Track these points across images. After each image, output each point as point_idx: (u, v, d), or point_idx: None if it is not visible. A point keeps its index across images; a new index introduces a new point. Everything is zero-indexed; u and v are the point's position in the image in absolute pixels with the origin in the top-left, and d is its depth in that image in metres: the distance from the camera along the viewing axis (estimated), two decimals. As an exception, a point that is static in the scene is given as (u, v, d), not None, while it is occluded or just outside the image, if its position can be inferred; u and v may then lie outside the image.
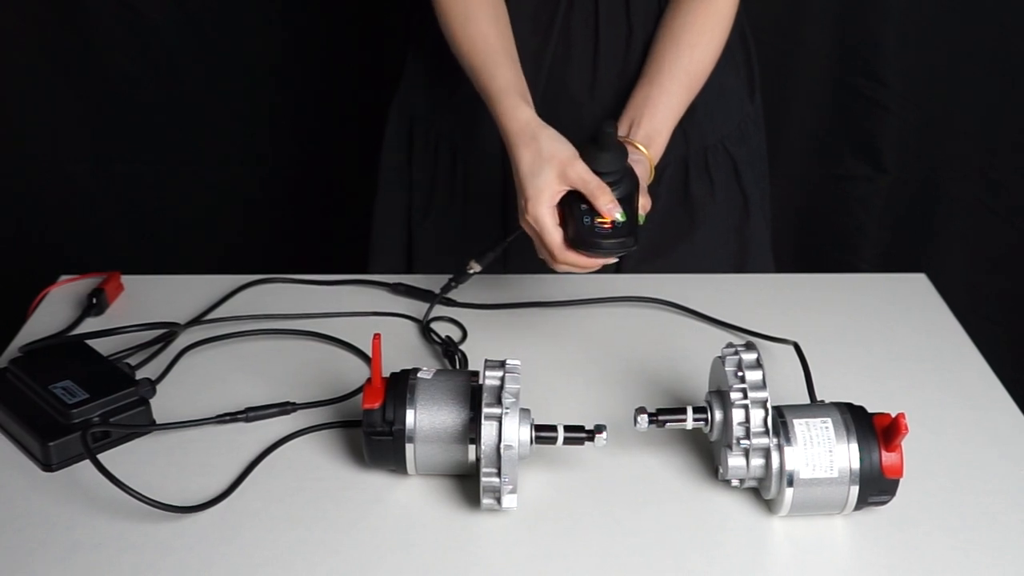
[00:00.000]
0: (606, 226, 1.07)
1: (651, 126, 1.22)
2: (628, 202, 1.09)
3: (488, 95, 1.19)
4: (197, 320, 1.25)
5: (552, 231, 1.09)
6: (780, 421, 0.95)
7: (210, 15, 1.93)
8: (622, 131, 1.23)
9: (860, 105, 1.97)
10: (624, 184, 1.10)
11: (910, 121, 1.97)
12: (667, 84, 1.25)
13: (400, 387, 0.98)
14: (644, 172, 1.16)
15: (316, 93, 2.03)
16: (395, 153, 1.50)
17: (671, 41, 1.27)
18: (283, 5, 1.94)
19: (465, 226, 1.46)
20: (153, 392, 1.09)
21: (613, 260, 1.11)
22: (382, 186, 1.54)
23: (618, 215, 1.07)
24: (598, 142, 1.09)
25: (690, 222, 1.42)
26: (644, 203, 1.12)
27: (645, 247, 1.38)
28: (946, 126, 1.98)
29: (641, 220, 1.10)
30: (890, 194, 2.03)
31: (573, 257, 1.09)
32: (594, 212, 1.07)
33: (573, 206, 1.08)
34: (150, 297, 1.30)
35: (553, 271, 1.13)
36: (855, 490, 0.93)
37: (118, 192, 2.08)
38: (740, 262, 1.46)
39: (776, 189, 1.60)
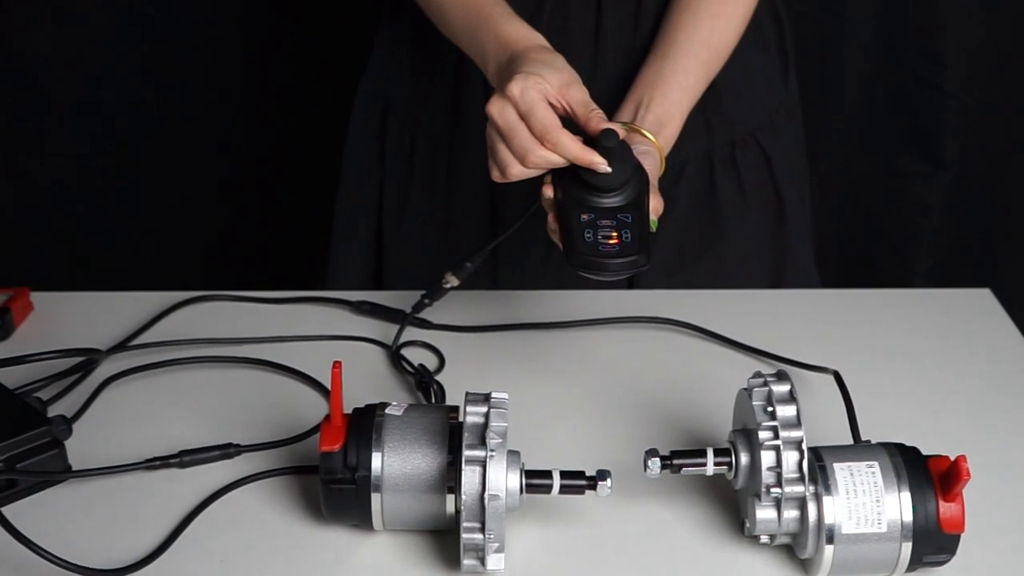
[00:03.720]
0: (612, 242, 1.06)
1: (663, 109, 1.23)
2: (637, 207, 1.08)
3: (485, 22, 1.19)
4: (122, 346, 1.25)
5: (545, 107, 1.08)
6: (818, 465, 0.95)
7: (146, 4, 1.95)
8: (627, 115, 1.23)
9: (915, 89, 1.98)
10: (631, 185, 1.09)
11: (974, 107, 1.98)
12: (683, 60, 1.26)
13: (365, 426, 0.98)
14: (654, 166, 1.16)
15: (266, 78, 2.04)
16: (363, 146, 1.51)
17: (688, 9, 1.28)
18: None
19: (446, 233, 1.46)
20: (69, 432, 1.09)
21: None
22: (346, 185, 1.54)
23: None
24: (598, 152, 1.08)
25: (716, 229, 1.43)
26: (655, 205, 1.12)
27: (663, 258, 1.39)
28: (1016, 113, 1.99)
29: (654, 227, 1.10)
30: (951, 194, 2.04)
31: (567, 139, 1.07)
32: (597, 226, 1.07)
33: (571, 217, 1.08)
34: (65, 318, 1.30)
35: (503, 180, 1.11)
36: (908, 547, 0.94)
37: (28, 193, 2.08)
38: (776, 275, 1.47)
39: (817, 189, 1.61)
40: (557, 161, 1.08)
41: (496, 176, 1.11)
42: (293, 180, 2.07)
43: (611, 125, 1.08)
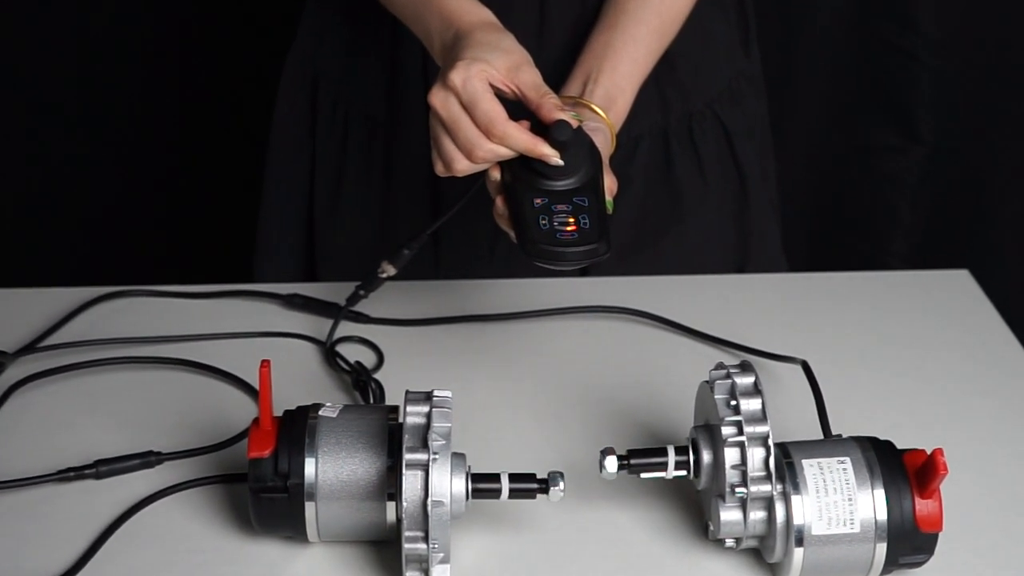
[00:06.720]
0: (569, 229, 1.06)
1: (612, 82, 1.23)
2: (593, 190, 1.09)
3: None
4: (30, 347, 1.24)
5: (490, 98, 1.07)
6: (786, 462, 0.96)
7: None
8: (575, 89, 1.23)
9: (889, 57, 1.99)
10: (586, 167, 1.09)
11: (951, 77, 1.99)
12: (632, 29, 1.26)
13: (297, 429, 0.98)
14: (604, 143, 1.16)
15: (184, 48, 2.02)
16: (292, 124, 1.50)
17: None
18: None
19: (384, 219, 1.46)
20: (-27, 442, 1.09)
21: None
22: (273, 167, 1.54)
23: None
24: (550, 144, 1.08)
25: (675, 210, 1.43)
26: (609, 184, 1.12)
27: (618, 242, 1.39)
28: (996, 83, 2.01)
29: (609, 207, 1.11)
30: (927, 169, 2.06)
31: (515, 131, 1.06)
32: (552, 212, 1.07)
33: (524, 202, 1.08)
34: (-32, 318, 1.29)
35: (448, 174, 1.11)
36: (882, 548, 0.94)
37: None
38: (740, 259, 1.48)
39: (783, 166, 1.62)
40: (505, 154, 1.08)
41: (440, 170, 1.11)
42: (215, 163, 2.06)
43: (563, 115, 1.08)
